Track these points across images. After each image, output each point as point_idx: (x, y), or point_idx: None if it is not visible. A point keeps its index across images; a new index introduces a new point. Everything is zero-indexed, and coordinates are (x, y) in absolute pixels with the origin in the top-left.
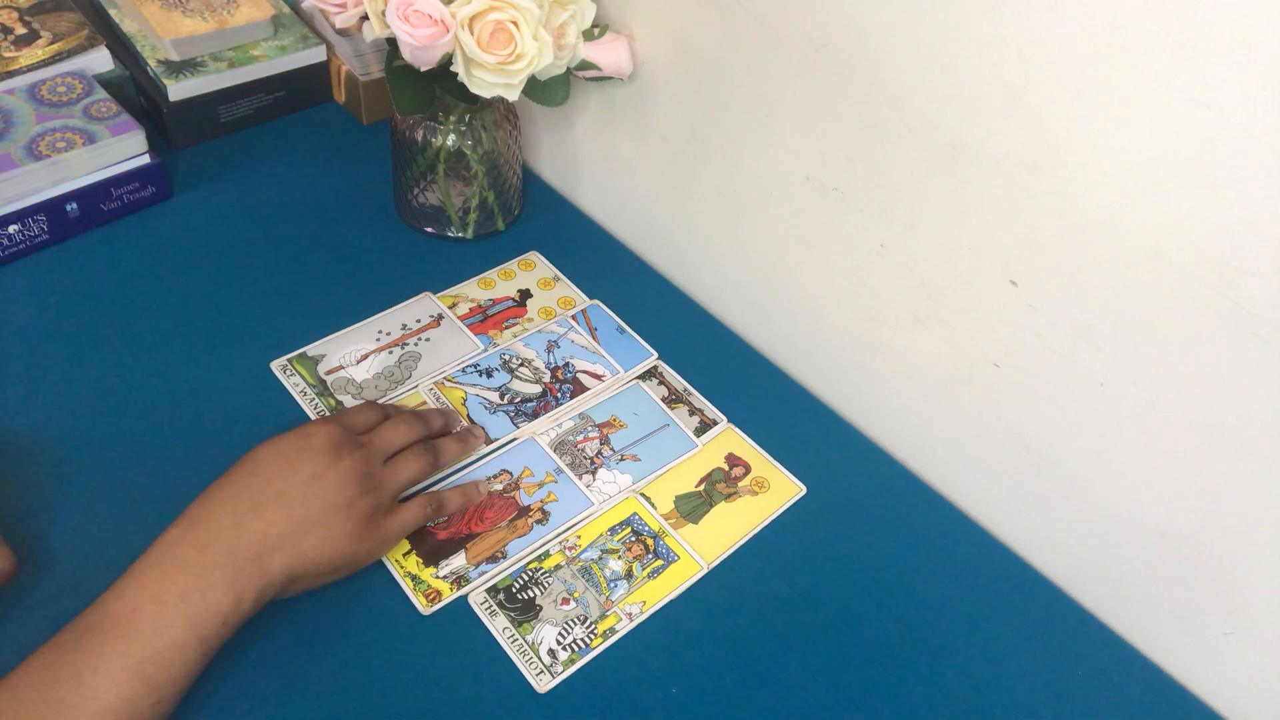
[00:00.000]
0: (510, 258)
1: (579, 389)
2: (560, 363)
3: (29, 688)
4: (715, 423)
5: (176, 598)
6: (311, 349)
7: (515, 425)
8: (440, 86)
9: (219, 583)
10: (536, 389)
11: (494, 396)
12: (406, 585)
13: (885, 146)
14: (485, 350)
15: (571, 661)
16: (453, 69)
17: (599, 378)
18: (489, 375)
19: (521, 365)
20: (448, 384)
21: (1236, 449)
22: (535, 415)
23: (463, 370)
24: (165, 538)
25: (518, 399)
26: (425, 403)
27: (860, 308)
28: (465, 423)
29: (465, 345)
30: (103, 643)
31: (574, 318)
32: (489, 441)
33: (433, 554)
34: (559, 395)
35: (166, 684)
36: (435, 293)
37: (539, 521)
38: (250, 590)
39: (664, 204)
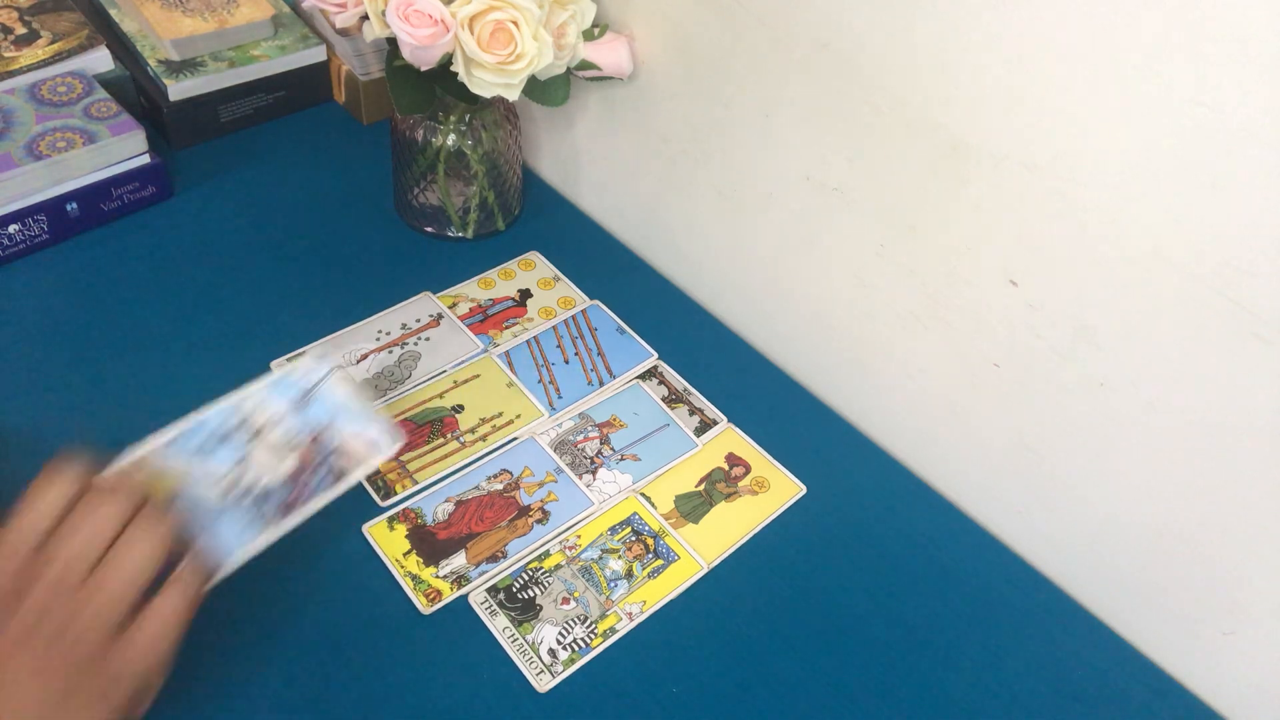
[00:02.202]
0: (510, 258)
1: (340, 473)
2: (317, 426)
3: None
4: (715, 423)
5: None
6: (311, 349)
7: (250, 539)
8: (440, 86)
9: None
10: (286, 469)
11: (217, 489)
12: (406, 585)
13: (885, 146)
14: (210, 412)
15: (571, 661)
16: (453, 69)
17: (371, 448)
18: (209, 453)
19: (258, 436)
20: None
21: (1236, 449)
22: (286, 512)
23: (169, 444)
24: None
25: (259, 491)
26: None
27: (860, 308)
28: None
29: (465, 345)
30: None
31: (573, 318)
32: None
33: (433, 554)
34: (316, 481)
35: None
36: (435, 293)
37: (539, 521)
38: None
39: (664, 204)
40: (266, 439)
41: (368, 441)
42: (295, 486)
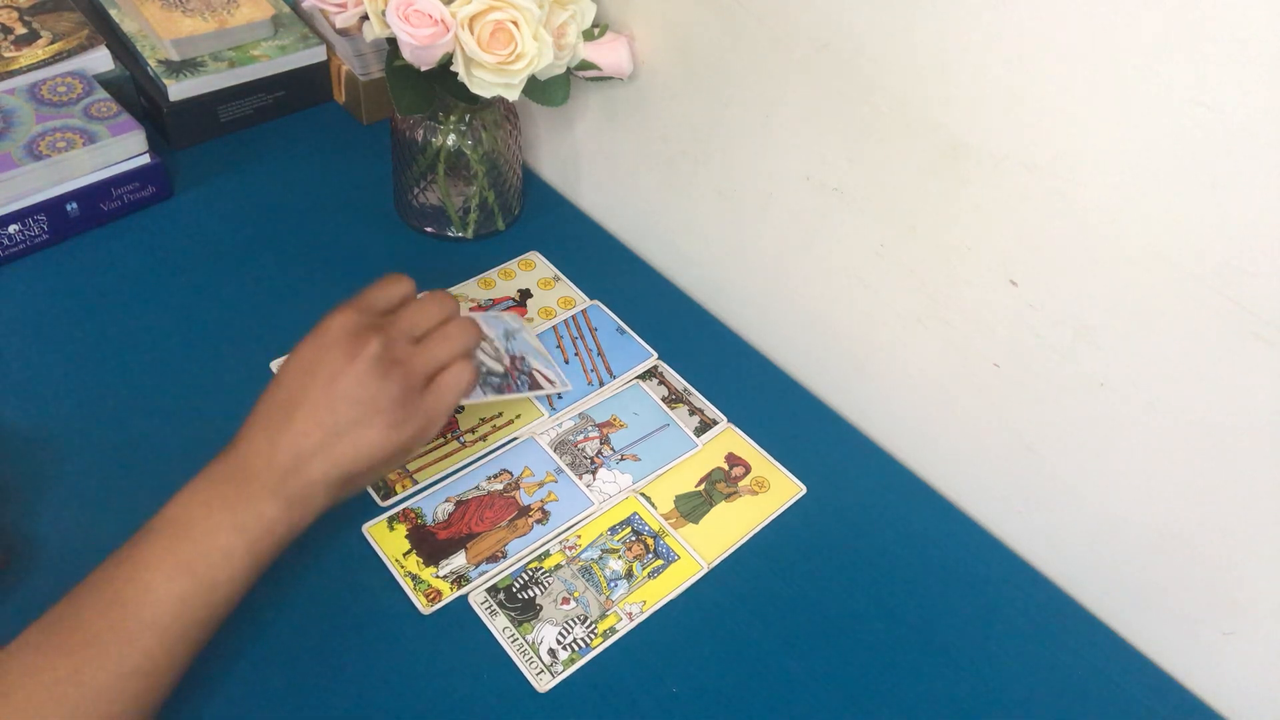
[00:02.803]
0: (510, 258)
1: (534, 385)
2: (517, 353)
3: (91, 585)
4: (715, 422)
5: (222, 504)
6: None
7: (483, 393)
8: (440, 86)
9: (261, 494)
10: (499, 367)
11: None
12: (406, 585)
13: (885, 146)
14: None
15: (571, 661)
16: (453, 69)
17: (551, 382)
18: None
19: (484, 340)
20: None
21: (1236, 449)
22: (500, 390)
23: None
24: (215, 459)
25: (484, 370)
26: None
27: (860, 308)
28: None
29: None
30: (157, 542)
31: (574, 318)
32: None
33: (433, 554)
34: (518, 383)
35: (216, 585)
36: None
37: (539, 521)
38: (295, 501)
39: (664, 204)
40: (483, 345)
41: (549, 377)
42: (505, 380)
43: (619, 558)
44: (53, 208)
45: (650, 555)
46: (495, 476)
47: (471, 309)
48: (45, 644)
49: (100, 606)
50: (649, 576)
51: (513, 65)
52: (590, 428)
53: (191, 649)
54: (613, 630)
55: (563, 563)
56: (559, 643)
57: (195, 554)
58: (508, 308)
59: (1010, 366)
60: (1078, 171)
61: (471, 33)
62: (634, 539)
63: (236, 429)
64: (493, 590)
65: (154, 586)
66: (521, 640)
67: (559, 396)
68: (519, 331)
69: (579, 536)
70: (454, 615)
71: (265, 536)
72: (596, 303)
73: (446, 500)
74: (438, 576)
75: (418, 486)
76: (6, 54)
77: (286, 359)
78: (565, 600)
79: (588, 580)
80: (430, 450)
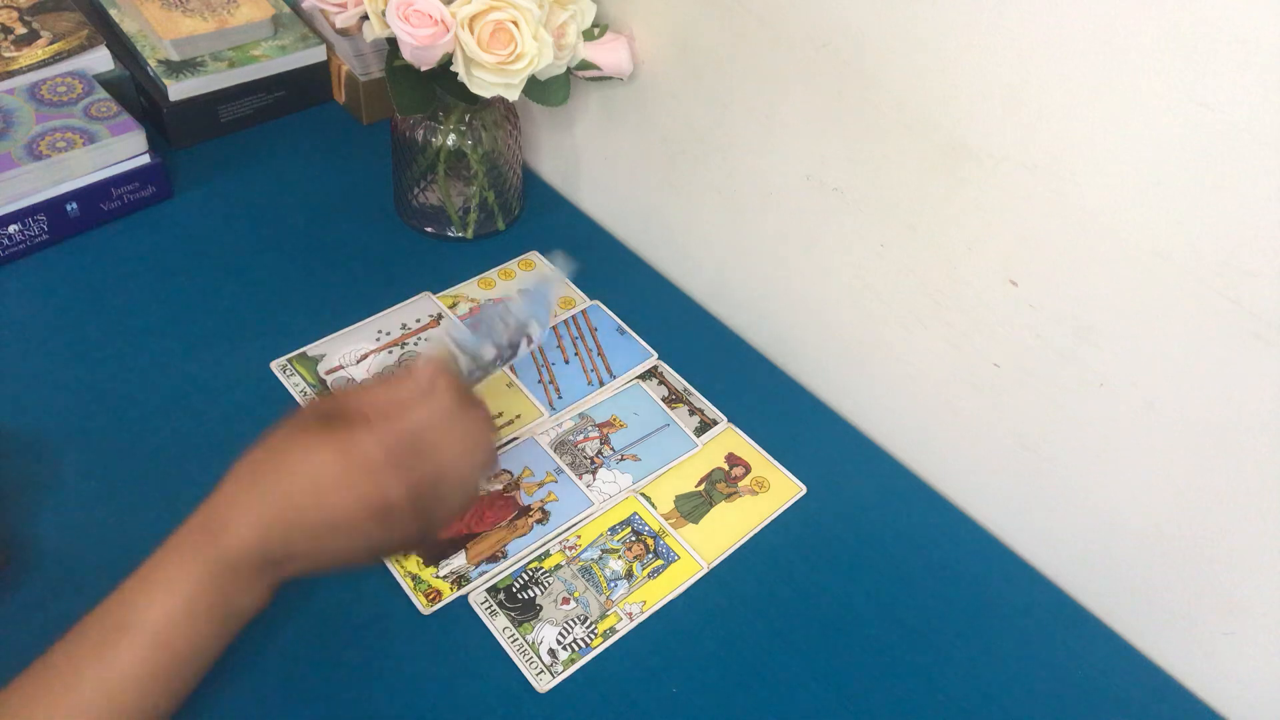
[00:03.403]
0: (510, 258)
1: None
2: (501, 340)
3: (61, 674)
4: (715, 423)
5: (207, 613)
6: (311, 349)
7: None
8: (440, 86)
9: (243, 588)
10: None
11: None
12: (406, 585)
13: (885, 146)
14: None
15: (571, 661)
16: (453, 69)
17: (529, 339)
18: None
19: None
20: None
21: (1236, 449)
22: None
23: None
24: (195, 534)
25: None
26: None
27: (860, 308)
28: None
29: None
30: (134, 649)
31: (574, 318)
32: None
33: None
34: (497, 362)
35: (185, 681)
36: (435, 292)
37: (539, 521)
38: (273, 587)
39: (664, 204)
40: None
41: (529, 333)
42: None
43: (619, 558)
44: (53, 208)
45: (650, 555)
46: (495, 476)
47: (470, 311)
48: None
49: (71, 704)
50: (649, 576)
51: (513, 65)
52: (590, 428)
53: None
54: (613, 630)
55: (563, 563)
56: (559, 643)
57: (172, 664)
58: None
59: (1010, 366)
60: (1078, 171)
61: (471, 33)
62: (634, 539)
63: (236, 429)
64: (493, 590)
65: (125, 695)
66: (521, 640)
67: (559, 396)
68: (498, 317)
69: (579, 536)
70: (454, 615)
71: (242, 621)
72: (596, 303)
73: None
74: (438, 577)
75: None
76: (6, 54)
77: (295, 459)
78: (565, 600)
79: (588, 580)
80: None
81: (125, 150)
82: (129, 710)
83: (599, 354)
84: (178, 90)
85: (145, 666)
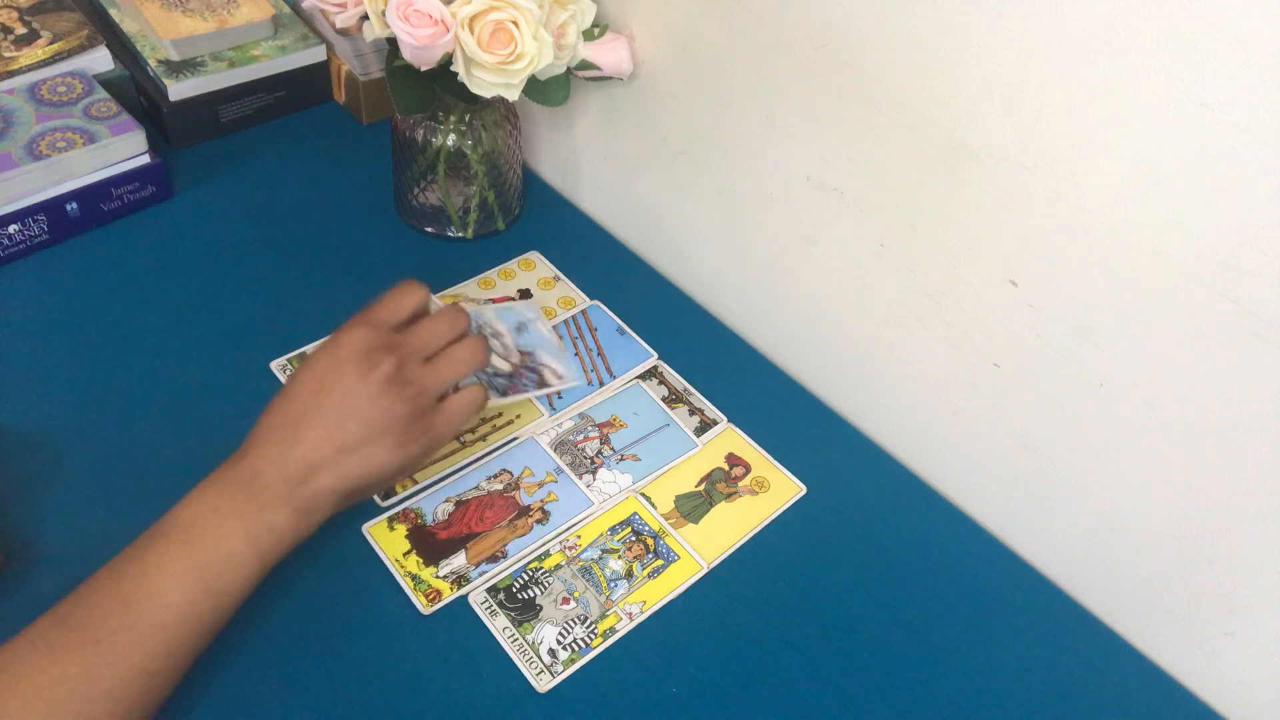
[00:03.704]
0: (510, 258)
1: (542, 382)
2: (528, 348)
3: (98, 586)
4: (715, 422)
5: (233, 511)
6: (311, 349)
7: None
8: (440, 86)
9: (272, 503)
10: (507, 367)
11: None
12: (406, 585)
13: (885, 146)
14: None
15: (571, 661)
16: (453, 69)
17: (560, 377)
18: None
19: (494, 337)
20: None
21: (1236, 449)
22: (505, 394)
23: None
24: (224, 464)
25: (490, 371)
26: None
27: (860, 308)
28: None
29: None
30: (168, 546)
31: (574, 318)
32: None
33: (433, 554)
34: (525, 382)
35: (224, 591)
36: (435, 293)
37: (539, 521)
38: (303, 510)
39: (664, 204)
40: (494, 344)
41: (559, 371)
42: (511, 381)
43: (619, 558)
44: (53, 208)
45: (650, 555)
46: (495, 476)
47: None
48: (55, 640)
49: (110, 606)
50: (649, 576)
51: (513, 65)
52: (590, 428)
53: (195, 651)
54: (613, 630)
55: (563, 563)
56: (559, 643)
57: (205, 560)
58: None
59: (1010, 366)
60: (1078, 171)
61: (471, 33)
62: (634, 539)
63: (236, 429)
64: (493, 590)
65: (164, 590)
66: (521, 640)
67: (559, 395)
68: (533, 322)
69: (579, 536)
70: (454, 615)
71: (273, 544)
72: (596, 303)
73: (446, 500)
74: (438, 576)
75: (418, 486)
76: (6, 54)
77: (299, 371)
78: (565, 600)
79: (588, 580)
80: None
81: (125, 150)
82: (177, 632)
83: (599, 354)
84: (178, 90)
85: (186, 563)
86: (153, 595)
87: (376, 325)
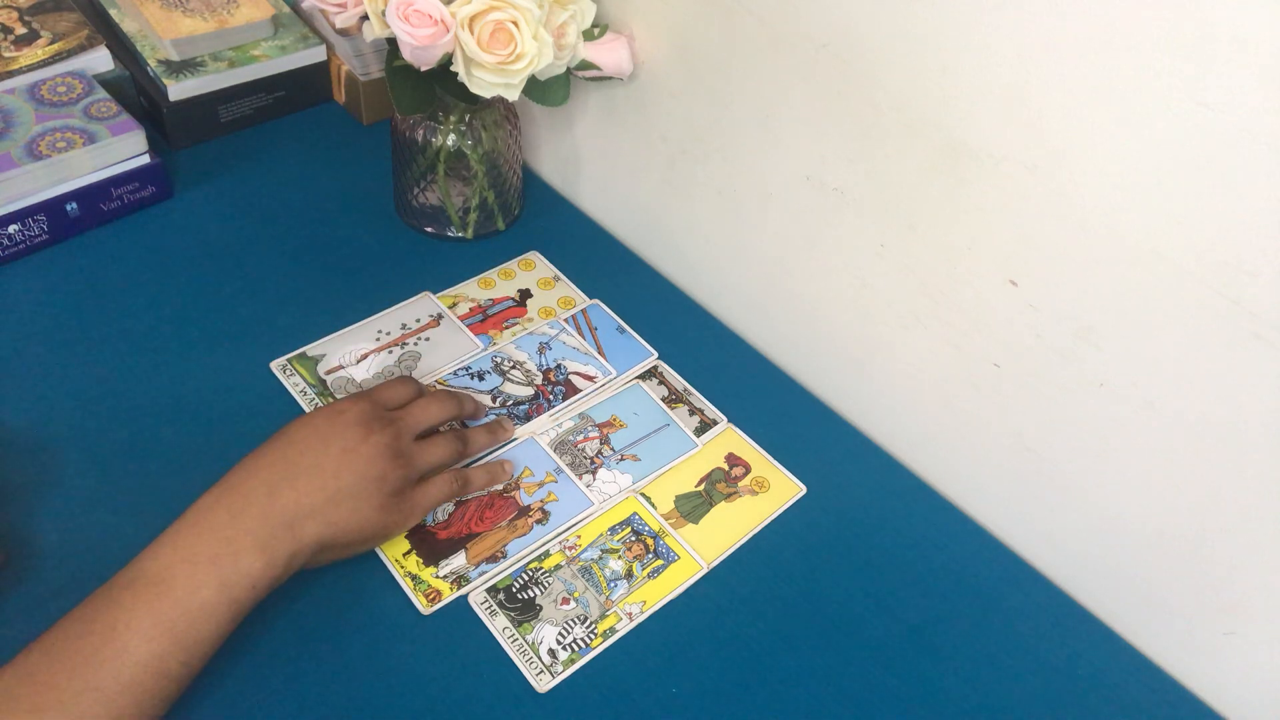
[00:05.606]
0: (510, 258)
1: (571, 390)
2: (552, 364)
3: (64, 640)
4: (715, 422)
5: (208, 560)
6: (311, 349)
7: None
8: (440, 86)
9: (250, 547)
10: (529, 391)
11: (486, 400)
12: (406, 585)
13: (885, 146)
14: (477, 353)
15: (571, 661)
16: (453, 69)
17: (591, 379)
18: (481, 378)
19: (514, 368)
20: (438, 386)
21: (1236, 449)
22: (528, 418)
23: (454, 373)
24: (200, 503)
25: (510, 402)
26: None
27: (860, 308)
28: (493, 413)
29: (465, 345)
30: (136, 599)
31: (573, 318)
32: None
33: (433, 554)
34: (551, 398)
35: (196, 643)
36: (435, 292)
37: (539, 521)
38: (281, 556)
39: (664, 204)
40: (512, 374)
41: (588, 373)
42: (535, 402)
43: (619, 558)
44: (53, 208)
45: (650, 555)
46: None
47: (470, 311)
48: (21, 696)
49: (75, 664)
50: (649, 576)
51: (513, 65)
52: (590, 428)
53: (167, 704)
54: (613, 630)
55: (563, 563)
56: (559, 643)
57: (177, 614)
58: (507, 308)
59: (1010, 366)
60: (1078, 171)
61: (471, 33)
62: (634, 539)
63: (235, 429)
64: (493, 590)
65: (132, 647)
66: (521, 640)
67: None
68: (554, 337)
69: (579, 536)
70: (454, 615)
71: (247, 590)
72: (596, 302)
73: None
74: (438, 577)
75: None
76: (6, 54)
77: (296, 423)
78: (565, 600)
79: (588, 580)
80: None
81: (125, 150)
82: (145, 688)
83: (599, 354)
84: (178, 90)
85: (156, 617)
86: (120, 653)
87: (376, 402)
